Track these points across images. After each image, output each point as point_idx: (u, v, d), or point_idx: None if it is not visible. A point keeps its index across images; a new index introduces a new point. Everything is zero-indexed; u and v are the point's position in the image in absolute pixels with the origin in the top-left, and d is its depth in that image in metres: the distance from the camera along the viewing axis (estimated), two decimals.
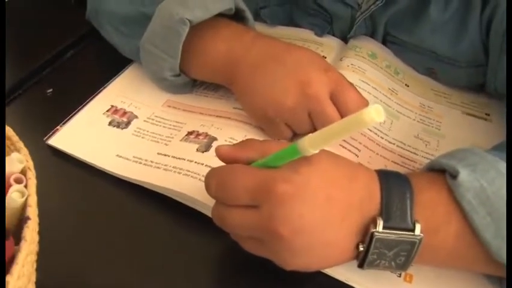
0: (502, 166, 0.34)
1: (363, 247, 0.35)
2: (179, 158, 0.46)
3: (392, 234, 0.34)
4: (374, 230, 0.34)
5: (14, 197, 0.30)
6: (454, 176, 0.35)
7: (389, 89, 0.55)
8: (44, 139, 0.50)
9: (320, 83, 0.44)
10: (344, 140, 0.48)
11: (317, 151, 0.32)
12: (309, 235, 0.34)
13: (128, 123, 0.52)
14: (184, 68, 0.51)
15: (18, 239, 0.28)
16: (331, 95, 0.45)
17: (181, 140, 0.49)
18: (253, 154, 0.37)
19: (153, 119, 0.52)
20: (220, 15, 0.49)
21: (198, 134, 0.49)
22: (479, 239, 0.34)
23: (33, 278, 0.32)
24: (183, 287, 0.40)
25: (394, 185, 0.35)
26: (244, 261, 0.39)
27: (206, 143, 0.48)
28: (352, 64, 0.55)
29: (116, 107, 0.53)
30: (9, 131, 0.33)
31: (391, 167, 0.47)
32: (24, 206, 0.30)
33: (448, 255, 0.36)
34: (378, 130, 0.50)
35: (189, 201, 0.44)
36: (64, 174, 0.48)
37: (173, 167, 0.45)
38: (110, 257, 0.42)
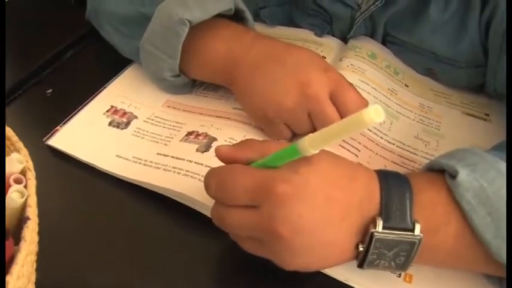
0: (502, 166, 0.34)
1: (363, 247, 0.35)
2: (179, 158, 0.46)
3: (392, 235, 0.34)
4: (374, 230, 0.34)
5: (13, 197, 0.30)
6: (454, 176, 0.35)
7: (389, 89, 0.55)
8: (44, 139, 0.50)
9: (320, 84, 0.44)
10: (344, 140, 0.48)
11: (317, 151, 0.32)
12: (308, 235, 0.34)
13: (127, 124, 0.52)
14: (184, 68, 0.51)
15: (17, 239, 0.28)
16: (330, 95, 0.45)
17: (181, 140, 0.49)
18: (253, 154, 0.37)
19: (152, 120, 0.52)
20: (220, 15, 0.49)
21: (198, 134, 0.49)
22: (479, 239, 0.34)
23: (33, 278, 0.32)
24: (182, 287, 0.40)
25: (393, 185, 0.35)
26: (243, 261, 0.39)
27: (206, 143, 0.48)
28: (351, 64, 0.55)
29: (116, 108, 0.53)
30: (9, 131, 0.34)
31: (391, 167, 0.47)
32: (23, 207, 0.30)
33: (448, 255, 0.36)
34: (378, 130, 0.50)
35: (188, 202, 0.44)
36: (64, 174, 0.48)
37: (173, 167, 0.45)
38: (110, 257, 0.42)
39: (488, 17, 0.48)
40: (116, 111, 0.53)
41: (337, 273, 0.39)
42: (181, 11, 0.47)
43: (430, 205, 0.35)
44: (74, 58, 0.62)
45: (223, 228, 0.37)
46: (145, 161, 0.47)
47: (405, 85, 0.57)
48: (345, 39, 0.60)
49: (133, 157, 0.48)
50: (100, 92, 0.55)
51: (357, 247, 0.35)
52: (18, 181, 0.31)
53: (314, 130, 0.45)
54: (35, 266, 0.32)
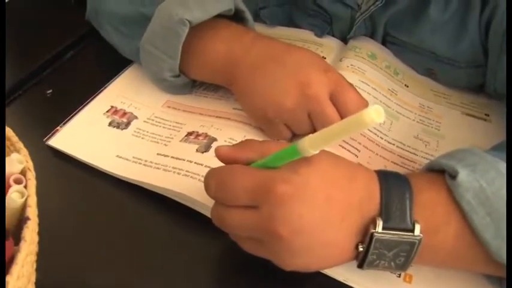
0: (502, 166, 0.34)
1: (363, 247, 0.35)
2: (179, 159, 0.46)
3: (392, 235, 0.34)
4: (373, 230, 0.34)
5: (13, 197, 0.30)
6: (454, 176, 0.35)
7: (389, 89, 0.55)
8: (44, 140, 0.50)
9: (320, 84, 0.45)
10: (344, 141, 0.48)
11: (317, 152, 0.32)
12: (308, 235, 0.34)
13: (127, 124, 0.52)
14: (184, 68, 0.51)
15: (17, 240, 0.28)
16: (330, 95, 0.45)
17: (181, 141, 0.49)
18: (253, 155, 0.37)
19: (152, 120, 0.52)
20: (220, 16, 0.49)
21: (198, 135, 0.49)
22: (479, 239, 0.34)
23: (33, 278, 0.32)
24: (182, 287, 0.40)
25: (393, 186, 0.35)
26: (243, 261, 0.39)
27: (206, 143, 0.48)
28: (351, 65, 0.55)
29: (116, 108, 0.53)
30: (9, 131, 0.34)
31: (391, 168, 0.47)
32: (23, 207, 0.30)
33: (448, 255, 0.36)
34: (378, 130, 0.50)
35: (188, 202, 0.44)
36: (64, 174, 0.48)
37: (173, 168, 0.45)
38: (110, 258, 0.42)
39: (488, 17, 0.48)
40: (116, 112, 0.53)
41: (337, 273, 0.39)
42: (182, 11, 0.47)
43: (430, 205, 0.35)
44: (74, 58, 0.62)
45: (223, 229, 0.37)
46: (146, 161, 0.47)
47: (405, 85, 0.57)
48: (345, 40, 0.60)
49: (134, 157, 0.48)
50: (100, 92, 0.55)
51: (356, 247, 0.35)
52: (18, 181, 0.31)
53: (314, 130, 0.45)
54: (35, 266, 0.32)
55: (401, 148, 0.50)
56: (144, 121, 0.52)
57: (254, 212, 0.35)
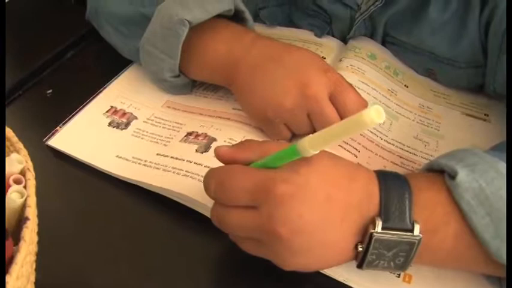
0: (502, 166, 0.34)
1: (362, 247, 0.35)
2: (178, 159, 0.46)
3: (391, 235, 0.34)
4: (373, 230, 0.34)
5: (13, 197, 0.30)
6: (453, 176, 0.35)
7: (388, 89, 0.55)
8: (44, 140, 0.50)
9: (319, 84, 0.45)
10: (343, 141, 0.48)
11: (317, 152, 0.32)
12: (308, 235, 0.34)
13: (127, 124, 0.52)
14: (183, 68, 0.51)
15: (17, 240, 0.28)
16: (330, 96, 0.45)
17: (180, 141, 0.49)
18: (252, 155, 0.37)
19: (152, 120, 0.52)
20: (220, 16, 0.49)
21: (198, 135, 0.49)
22: (478, 239, 0.34)
23: (32, 278, 0.32)
24: (182, 287, 0.40)
25: (393, 186, 0.35)
26: (243, 261, 0.39)
27: (205, 143, 0.48)
28: (351, 65, 0.55)
29: (116, 108, 0.53)
30: (8, 131, 0.33)
31: (390, 168, 0.47)
32: (23, 207, 0.30)
33: (447, 255, 0.36)
34: (377, 131, 0.50)
35: (188, 202, 0.44)
36: (64, 174, 0.48)
37: (172, 168, 0.45)
38: (109, 258, 0.42)
39: (488, 18, 0.48)
40: (115, 112, 0.53)
41: (337, 273, 0.39)
42: (181, 11, 0.47)
43: (430, 205, 0.35)
44: (74, 58, 0.62)
45: (223, 229, 0.37)
46: (145, 161, 0.47)
47: (405, 86, 0.57)
48: (344, 40, 0.60)
49: (133, 157, 0.48)
50: (100, 92, 0.55)
51: (356, 247, 0.35)
52: (17, 181, 0.31)
53: (314, 131, 0.45)
54: (34, 266, 0.32)
55: (401, 148, 0.50)
56: (144, 121, 0.52)
57: (254, 212, 0.35)
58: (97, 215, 0.45)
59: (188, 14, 0.47)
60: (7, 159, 0.31)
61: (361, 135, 0.49)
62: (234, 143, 0.47)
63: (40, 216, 0.32)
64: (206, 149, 0.47)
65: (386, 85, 0.56)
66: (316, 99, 0.44)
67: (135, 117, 0.52)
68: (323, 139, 0.32)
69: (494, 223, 0.33)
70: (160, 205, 0.45)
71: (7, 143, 0.33)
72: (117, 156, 0.48)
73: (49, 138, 0.50)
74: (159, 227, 0.44)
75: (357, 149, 0.48)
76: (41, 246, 0.33)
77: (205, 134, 0.49)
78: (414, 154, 0.49)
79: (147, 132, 0.51)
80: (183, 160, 0.46)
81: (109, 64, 0.59)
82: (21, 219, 0.29)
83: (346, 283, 0.39)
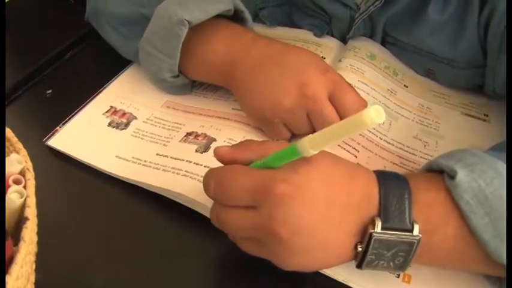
0: (501, 166, 0.34)
1: (362, 248, 0.35)
2: (178, 159, 0.46)
3: (391, 235, 0.34)
4: (372, 230, 0.34)
5: (12, 197, 0.30)
6: (452, 176, 0.35)
7: (388, 89, 0.55)
8: (44, 140, 0.50)
9: (318, 84, 0.45)
10: (343, 141, 0.48)
11: (317, 152, 0.32)
12: (308, 236, 0.34)
13: (127, 124, 0.52)
14: (183, 69, 0.51)
15: (17, 240, 0.28)
16: (329, 96, 0.45)
17: (180, 141, 0.49)
18: (252, 155, 0.37)
19: (152, 120, 0.52)
20: (219, 16, 0.49)
21: (197, 135, 0.49)
22: (478, 239, 0.34)
23: (32, 279, 0.32)
24: (182, 287, 0.40)
25: (392, 186, 0.35)
26: (243, 261, 0.39)
27: (205, 143, 0.48)
28: (351, 65, 0.55)
29: (116, 108, 0.53)
30: (8, 132, 0.33)
31: (390, 168, 0.47)
32: (23, 207, 0.30)
33: (447, 255, 0.36)
34: (377, 131, 0.50)
35: (187, 202, 0.44)
36: (63, 175, 0.48)
37: (172, 168, 0.45)
38: (110, 258, 0.42)
39: (487, 18, 0.48)
40: (115, 112, 0.53)
41: (336, 273, 0.39)
42: (181, 11, 0.47)
43: (429, 205, 0.35)
44: (73, 58, 0.62)
45: (222, 229, 0.37)
46: (145, 161, 0.47)
47: (404, 86, 0.57)
48: (344, 40, 0.60)
49: (133, 158, 0.48)
50: (100, 92, 0.55)
51: (355, 247, 0.35)
52: (17, 182, 0.31)
53: (313, 131, 0.45)
54: (34, 266, 0.32)
55: (401, 148, 0.50)
56: (144, 121, 0.52)
57: (253, 212, 0.35)
58: (97, 215, 0.45)
59: (188, 14, 0.47)
60: (7, 160, 0.31)
61: (360, 135, 0.49)
62: (233, 143, 0.47)
63: (40, 216, 0.32)
64: (206, 149, 0.47)
65: (385, 85, 0.56)
66: (315, 99, 0.44)
67: (135, 118, 0.52)
68: (323, 139, 0.32)
69: (493, 223, 0.33)
70: (160, 205, 0.45)
71: (7, 143, 0.33)
72: (116, 156, 0.48)
73: (49, 138, 0.50)
74: (159, 227, 0.44)
75: (356, 149, 0.48)
76: (41, 246, 0.33)
77: (205, 134, 0.49)
78: (414, 154, 0.49)
79: (146, 132, 0.51)
80: (183, 160, 0.46)
81: (109, 64, 0.59)
82: (21, 220, 0.29)
83: (346, 283, 0.39)
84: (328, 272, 0.39)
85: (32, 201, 0.30)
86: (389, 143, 0.50)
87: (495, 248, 0.33)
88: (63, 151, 0.49)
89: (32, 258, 0.31)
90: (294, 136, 0.48)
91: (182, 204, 0.44)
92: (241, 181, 0.35)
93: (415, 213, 0.35)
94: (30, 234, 0.29)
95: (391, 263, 0.36)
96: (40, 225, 0.32)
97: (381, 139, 0.50)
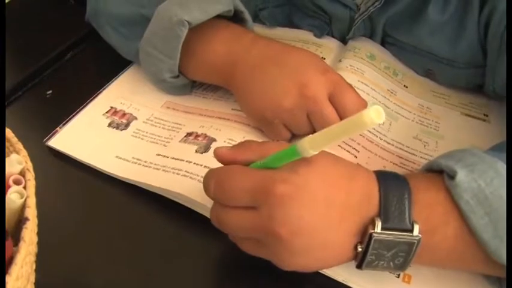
0: (501, 166, 0.34)
1: (362, 248, 0.35)
2: (178, 159, 0.46)
3: (391, 235, 0.34)
4: (372, 231, 0.34)
5: (12, 198, 0.30)
6: (452, 176, 0.35)
7: (388, 90, 0.55)
8: (44, 140, 0.50)
9: (318, 85, 0.45)
10: (343, 141, 0.48)
11: (317, 152, 0.32)
12: (308, 236, 0.34)
13: (127, 125, 0.52)
14: (183, 69, 0.51)
15: (17, 240, 0.28)
16: (329, 96, 0.45)
17: (180, 141, 0.49)
18: (252, 155, 0.37)
19: (152, 120, 0.52)
20: (219, 16, 0.49)
21: (197, 135, 0.49)
22: (477, 239, 0.34)
23: (32, 279, 0.32)
24: (182, 287, 0.40)
25: (392, 186, 0.35)
26: (243, 261, 0.39)
27: (205, 144, 0.48)
28: (351, 65, 0.55)
29: (116, 109, 0.53)
30: (8, 132, 0.34)
31: (390, 168, 0.47)
32: (23, 207, 0.30)
33: (447, 255, 0.36)
34: (377, 131, 0.50)
35: (187, 202, 0.44)
36: (63, 175, 0.48)
37: (172, 168, 0.45)
38: (110, 258, 0.42)
39: (487, 18, 0.48)
40: (115, 112, 0.53)
41: (336, 273, 0.39)
42: (181, 12, 0.47)
43: (429, 205, 0.35)
44: (74, 59, 0.62)
45: (222, 229, 0.37)
46: (145, 162, 0.47)
47: (404, 86, 0.57)
48: (344, 40, 0.60)
49: (133, 158, 0.48)
50: (100, 93, 0.55)
51: (355, 248, 0.35)
52: (17, 182, 0.31)
53: (313, 131, 0.45)
54: (34, 266, 0.32)
55: (401, 148, 0.50)
56: (144, 122, 0.52)
57: (253, 213, 0.35)
58: (97, 215, 0.45)
59: (188, 14, 0.47)
60: (7, 160, 0.31)
61: (360, 135, 0.49)
62: (233, 143, 0.47)
63: (40, 216, 0.32)
64: (206, 149, 0.47)
65: (385, 85, 0.56)
66: (315, 100, 0.44)
67: (135, 118, 0.52)
68: (323, 139, 0.32)
69: (493, 223, 0.33)
70: (160, 205, 0.45)
71: (7, 144, 0.33)
72: (117, 156, 0.48)
73: (49, 138, 0.50)
74: (159, 227, 0.44)
75: (356, 149, 0.48)
76: (41, 247, 0.33)
77: (205, 134, 0.49)
78: (413, 154, 0.49)
79: (146, 132, 0.51)
80: (183, 160, 0.46)
81: (109, 65, 0.59)
82: (21, 220, 0.29)
83: (346, 283, 0.39)
84: (328, 272, 0.39)
85: (32, 202, 0.30)
86: (389, 143, 0.50)
87: (495, 248, 0.33)
88: (64, 151, 0.49)
89: (32, 258, 0.31)
90: (294, 136, 0.48)
91: (182, 204, 0.44)
92: (241, 181, 0.35)
93: (415, 213, 0.35)
94: (30, 234, 0.29)
95: (391, 263, 0.36)
96: (40, 225, 0.32)
97: (381, 139, 0.50)
